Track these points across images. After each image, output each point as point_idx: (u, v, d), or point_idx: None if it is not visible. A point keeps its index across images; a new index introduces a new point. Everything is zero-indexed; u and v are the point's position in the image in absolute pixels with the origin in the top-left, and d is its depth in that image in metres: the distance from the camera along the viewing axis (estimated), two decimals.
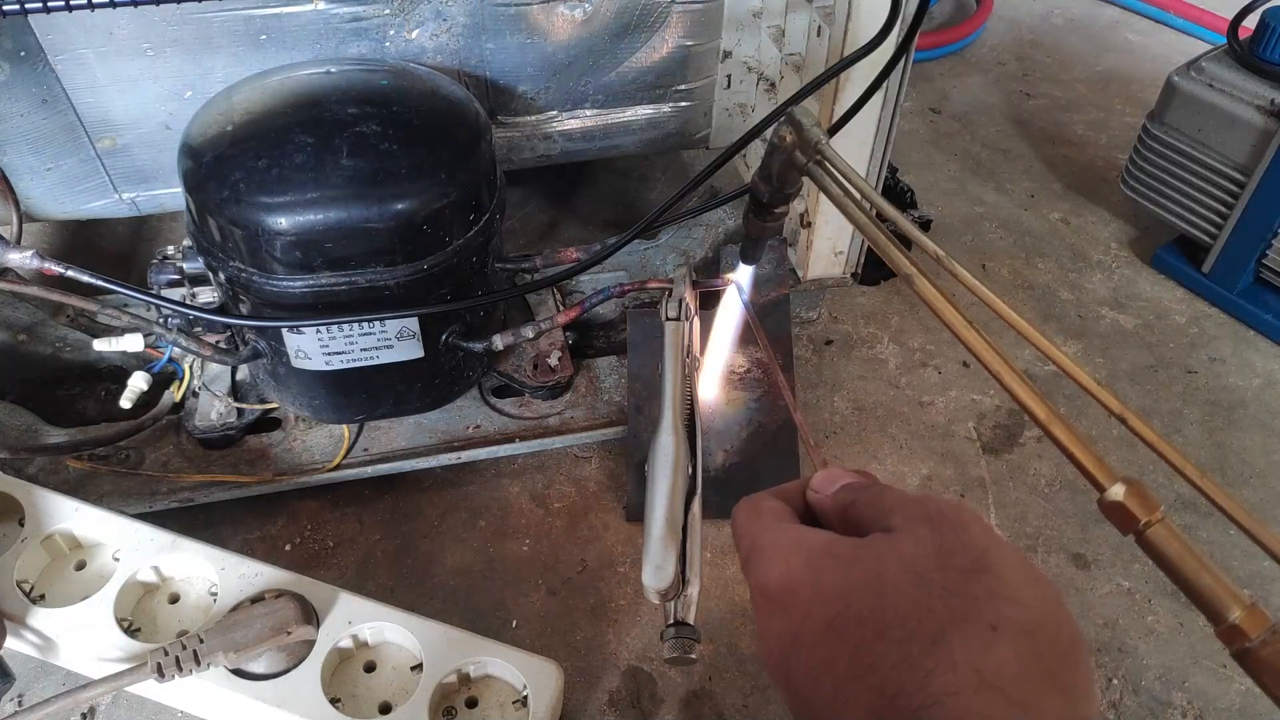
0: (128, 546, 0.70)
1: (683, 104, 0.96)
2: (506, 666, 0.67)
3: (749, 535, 0.37)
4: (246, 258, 0.69)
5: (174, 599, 0.71)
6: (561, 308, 0.94)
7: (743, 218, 0.56)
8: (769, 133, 0.60)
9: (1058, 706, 0.27)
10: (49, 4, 0.64)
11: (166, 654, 0.61)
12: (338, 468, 0.84)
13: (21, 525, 0.70)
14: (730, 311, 0.70)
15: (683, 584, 0.55)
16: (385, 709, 0.65)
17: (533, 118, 0.93)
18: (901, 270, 0.40)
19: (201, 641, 0.62)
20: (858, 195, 0.43)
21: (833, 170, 0.44)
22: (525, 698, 0.66)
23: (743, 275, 0.65)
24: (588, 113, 0.94)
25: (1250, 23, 1.02)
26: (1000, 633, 0.28)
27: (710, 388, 0.81)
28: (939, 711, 0.27)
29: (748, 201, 0.54)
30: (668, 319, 0.71)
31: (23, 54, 0.76)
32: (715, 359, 0.75)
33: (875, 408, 0.98)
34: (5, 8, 0.64)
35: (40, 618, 0.66)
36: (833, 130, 0.78)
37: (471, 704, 0.67)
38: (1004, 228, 1.22)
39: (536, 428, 0.89)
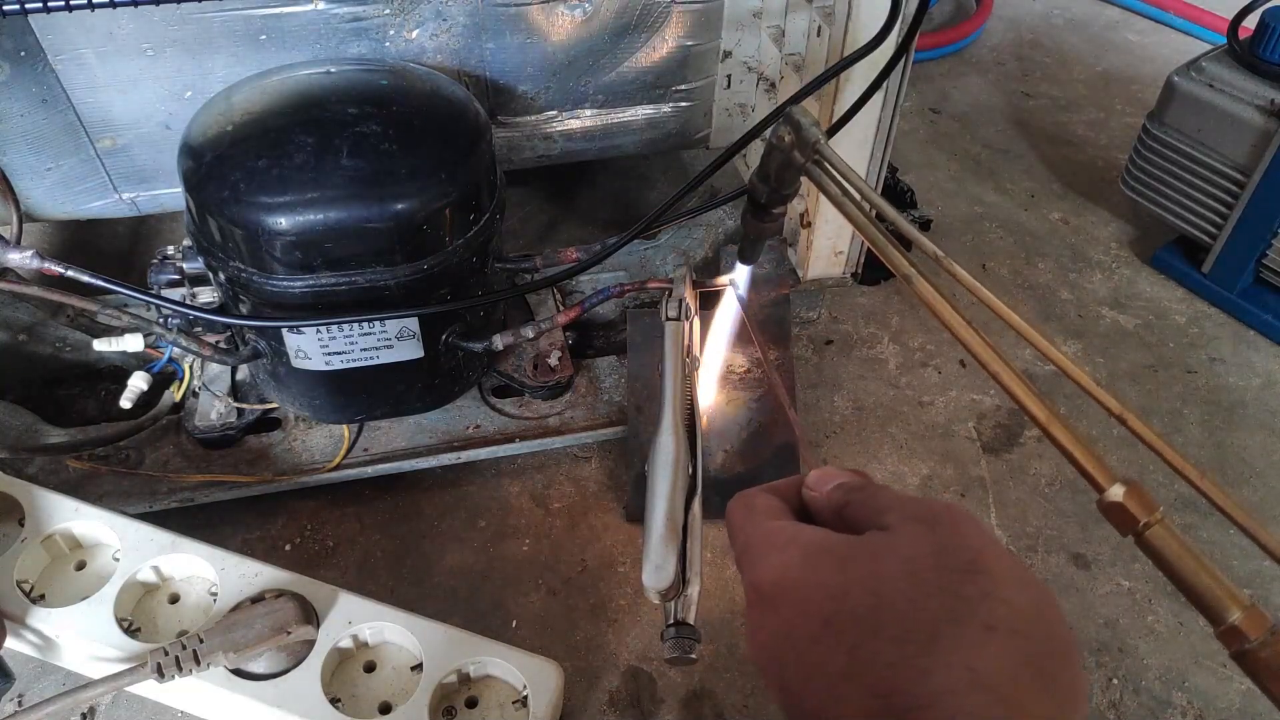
0: (128, 546, 0.70)
1: (683, 104, 0.96)
2: (506, 666, 0.67)
3: (743, 531, 0.37)
4: (246, 258, 0.69)
5: (174, 599, 0.70)
6: (561, 308, 0.94)
7: (740, 218, 0.56)
8: (767, 132, 0.59)
9: (1050, 708, 0.27)
10: (49, 4, 0.64)
11: (166, 654, 0.61)
12: (338, 468, 0.84)
13: (21, 525, 0.70)
14: (728, 313, 0.70)
15: (683, 584, 0.55)
16: (385, 709, 0.65)
17: (533, 118, 0.93)
18: (900, 270, 0.40)
19: (201, 641, 0.62)
20: (856, 195, 0.43)
21: (831, 170, 0.44)
22: (525, 698, 0.66)
23: (740, 275, 0.65)
24: (588, 113, 0.94)
25: (1250, 23, 1.02)
26: (995, 633, 0.28)
27: (708, 390, 0.81)
28: (934, 712, 0.27)
29: (746, 202, 0.54)
30: (668, 319, 0.71)
31: (23, 54, 0.76)
32: (712, 361, 0.75)
33: (875, 408, 0.98)
34: (5, 8, 0.64)
35: (40, 618, 0.66)
36: (832, 130, 0.78)
37: (471, 704, 0.67)
38: (1004, 228, 1.22)
39: (536, 428, 0.89)
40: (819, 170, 0.45)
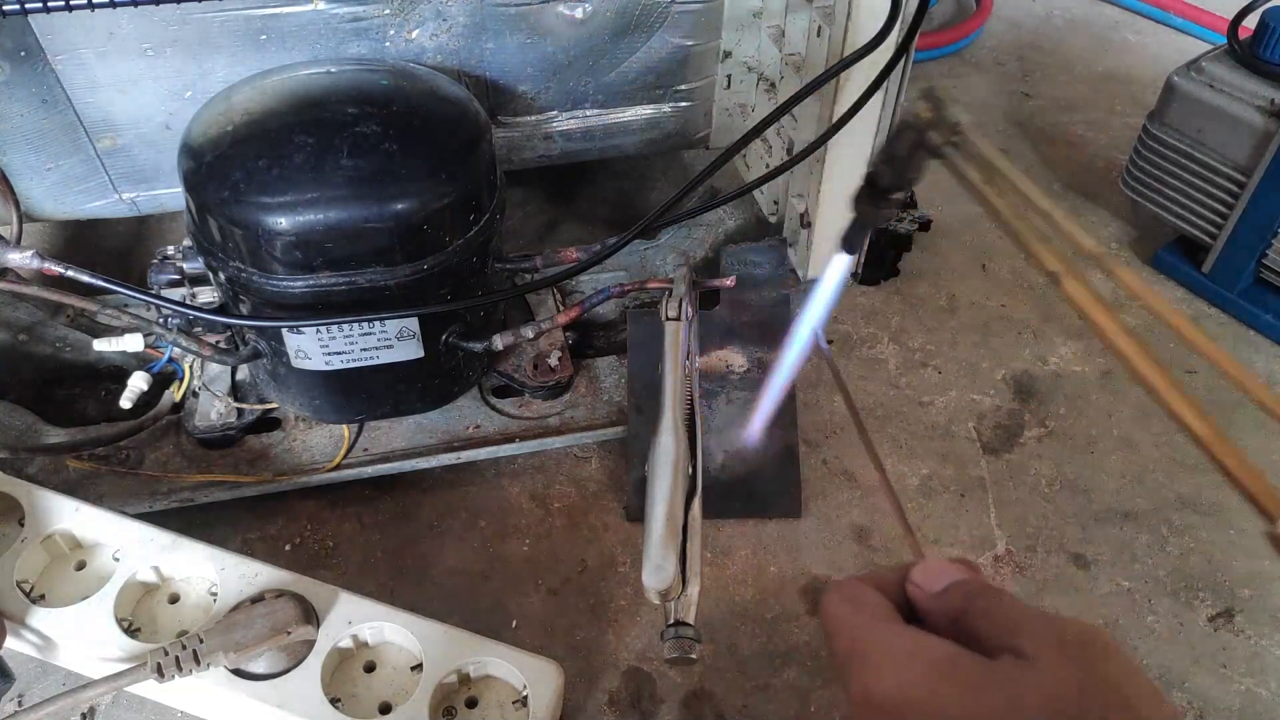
0: (128, 546, 0.70)
1: (683, 104, 0.96)
2: (506, 666, 0.67)
3: (849, 632, 0.34)
4: (246, 258, 0.69)
5: (174, 599, 0.70)
6: (561, 308, 0.94)
7: (853, 202, 0.52)
8: (901, 103, 0.52)
9: None
10: (49, 4, 0.64)
11: (166, 654, 0.61)
12: (338, 468, 0.84)
13: (21, 525, 0.70)
14: (799, 338, 0.62)
15: (683, 584, 0.56)
16: (385, 709, 0.65)
17: (533, 118, 0.93)
18: (1048, 268, 0.37)
19: (201, 641, 0.62)
20: (975, 178, 0.40)
21: (971, 155, 0.41)
22: (525, 698, 0.66)
23: (840, 265, 0.59)
24: (588, 113, 0.94)
25: (1250, 23, 1.02)
26: None
27: (759, 428, 0.74)
28: None
29: (861, 186, 0.50)
30: (668, 319, 0.71)
31: (23, 54, 0.76)
32: (777, 383, 0.66)
33: (875, 408, 0.98)
34: (5, 8, 0.64)
35: (40, 618, 0.66)
36: (832, 130, 0.78)
37: (471, 704, 0.67)
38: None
39: (536, 428, 0.89)
40: (958, 154, 0.42)
